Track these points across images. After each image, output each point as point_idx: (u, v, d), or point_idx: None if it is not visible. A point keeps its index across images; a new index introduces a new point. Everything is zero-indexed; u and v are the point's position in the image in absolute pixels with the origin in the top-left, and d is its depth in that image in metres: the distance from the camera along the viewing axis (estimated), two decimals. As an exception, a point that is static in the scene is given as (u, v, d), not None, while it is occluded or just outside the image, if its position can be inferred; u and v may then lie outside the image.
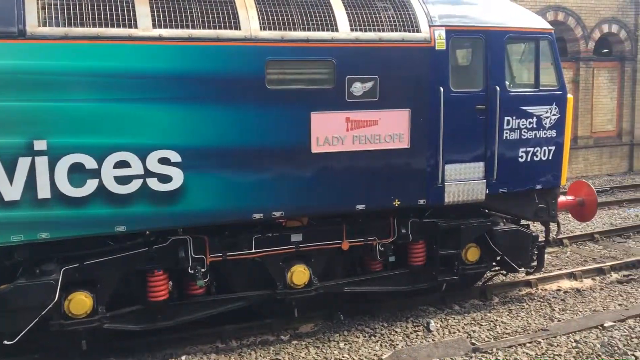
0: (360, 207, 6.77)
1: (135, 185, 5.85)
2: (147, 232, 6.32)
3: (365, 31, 6.56)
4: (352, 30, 6.50)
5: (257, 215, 6.37)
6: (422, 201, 7.03)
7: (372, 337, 7.08)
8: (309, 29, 6.35)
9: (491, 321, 7.51)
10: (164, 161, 5.92)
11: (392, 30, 6.68)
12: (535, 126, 7.49)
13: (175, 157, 5.95)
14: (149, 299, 6.41)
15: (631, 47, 19.55)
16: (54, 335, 6.09)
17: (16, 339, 5.73)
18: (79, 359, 6.42)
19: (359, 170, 6.70)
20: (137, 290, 6.53)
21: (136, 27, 5.72)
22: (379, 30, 6.62)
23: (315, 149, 6.49)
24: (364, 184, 6.75)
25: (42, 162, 5.51)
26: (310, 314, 7.53)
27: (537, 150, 7.57)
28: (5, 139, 5.36)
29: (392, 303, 7.91)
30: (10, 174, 5.42)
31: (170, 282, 6.68)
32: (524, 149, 7.47)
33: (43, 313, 5.76)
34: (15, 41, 5.32)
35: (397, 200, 6.90)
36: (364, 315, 7.69)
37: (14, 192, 5.45)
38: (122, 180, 5.79)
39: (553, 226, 8.47)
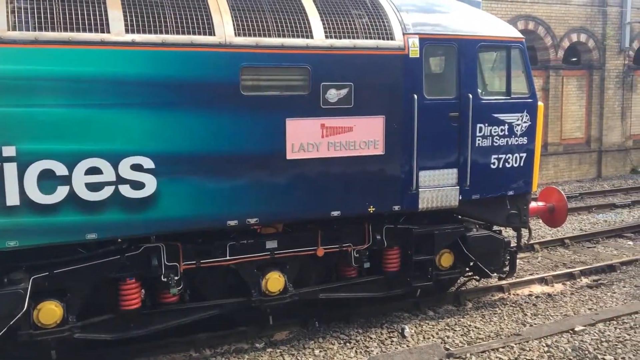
0: (336, 213, 6.77)
1: (107, 192, 5.76)
2: (119, 240, 6.22)
3: (340, 38, 6.58)
4: (327, 37, 6.52)
5: (232, 222, 6.32)
6: (396, 207, 7.06)
7: (347, 344, 7.08)
8: (284, 36, 6.35)
9: (465, 326, 7.58)
10: (136, 167, 5.85)
11: (366, 38, 6.72)
12: (507, 133, 7.61)
13: (148, 163, 5.88)
14: (121, 307, 6.31)
15: (599, 56, 20.02)
16: (23, 345, 5.95)
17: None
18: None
19: (334, 177, 6.71)
20: (109, 299, 6.42)
21: (109, 31, 5.64)
22: (353, 38, 6.65)
23: (290, 155, 6.48)
24: (339, 190, 6.76)
25: (10, 169, 5.38)
26: (285, 321, 7.50)
27: (509, 157, 7.68)
28: (-28, 144, 5.24)
29: (367, 309, 7.93)
30: (-22, 180, 5.30)
31: (142, 290, 6.58)
32: (496, 156, 7.57)
33: (11, 323, 5.61)
34: (-16, 45, 5.21)
35: (372, 206, 6.93)
36: (339, 321, 7.69)
37: (-19, 199, 5.33)
38: (93, 187, 5.69)
39: (524, 232, 8.59)
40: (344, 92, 6.62)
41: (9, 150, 5.36)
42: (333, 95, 6.58)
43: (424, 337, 7.26)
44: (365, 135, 6.78)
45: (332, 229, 7.17)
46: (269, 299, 6.87)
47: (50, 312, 5.88)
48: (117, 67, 5.65)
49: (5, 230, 5.43)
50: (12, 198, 5.43)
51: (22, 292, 5.66)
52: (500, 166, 7.61)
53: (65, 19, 5.53)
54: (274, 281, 6.85)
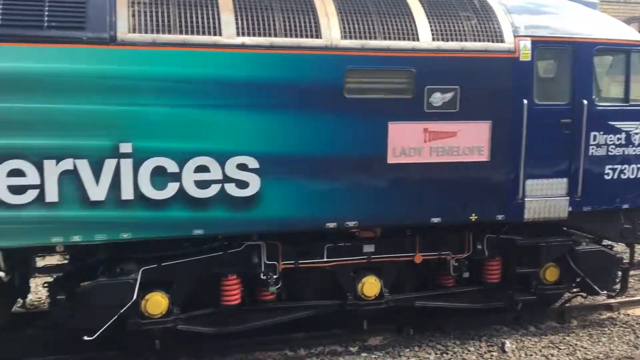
0: (436, 220, 6.61)
1: (213, 189, 5.94)
2: (222, 237, 6.37)
3: (447, 41, 6.42)
4: (433, 39, 6.38)
5: (331, 224, 6.33)
6: (500, 217, 6.79)
7: (444, 355, 6.88)
8: (389, 38, 6.28)
9: (570, 345, 7.16)
10: (242, 167, 5.99)
11: (475, 40, 6.51)
12: (623, 142, 7.11)
13: (253, 163, 6.01)
14: (221, 302, 6.48)
15: None
16: (130, 333, 6.23)
17: (95, 335, 5.90)
18: (153, 358, 6.54)
19: (435, 183, 6.55)
20: (210, 294, 6.60)
21: (221, 34, 5.82)
22: (461, 40, 6.46)
23: (391, 159, 6.40)
24: (440, 196, 6.59)
25: (126, 165, 5.67)
26: (379, 326, 7.41)
27: (625, 168, 7.18)
28: (93, 140, 5.56)
29: (464, 320, 7.67)
30: (97, 175, 5.61)
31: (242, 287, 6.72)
32: (610, 166, 7.10)
33: (122, 311, 5.92)
34: (107, 47, 5.52)
35: (474, 214, 6.70)
36: (434, 331, 7.50)
37: (99, 192, 5.64)
38: (201, 185, 5.89)
39: (638, 248, 8.00)
40: (449, 95, 6.45)
41: (126, 147, 5.65)
42: (437, 99, 6.43)
43: (525, 354, 6.92)
44: (469, 141, 6.58)
45: (431, 235, 7.01)
46: (364, 304, 6.82)
47: (157, 302, 6.13)
48: (228, 69, 5.82)
49: (120, 222, 5.72)
50: (127, 192, 5.71)
51: (132, 282, 5.95)
52: (615, 177, 7.13)
53: (181, 22, 5.76)
54: (370, 286, 6.79)
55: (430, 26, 6.43)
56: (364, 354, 6.88)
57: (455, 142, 6.55)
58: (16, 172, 5.41)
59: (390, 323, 7.49)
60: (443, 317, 7.65)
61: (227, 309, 6.49)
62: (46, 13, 5.42)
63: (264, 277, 6.47)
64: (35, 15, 5.40)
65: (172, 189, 5.82)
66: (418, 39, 6.36)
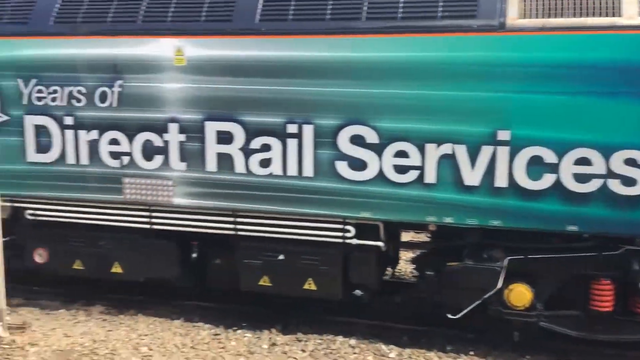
0: None
1: (594, 185, 5.50)
2: (588, 236, 5.83)
3: None
4: None
5: None
6: None
7: None
8: None
9: None
10: (630, 162, 5.39)
11: None
12: None
13: (646, 158, 5.34)
14: (590, 307, 5.99)
15: None
16: (490, 320, 6.25)
17: (459, 315, 6.11)
18: (509, 349, 6.46)
19: None
20: (577, 295, 6.16)
21: (620, 15, 5.28)
22: None
23: None
24: None
25: (503, 152, 5.64)
26: None
27: None
28: (473, 127, 5.68)
29: None
30: (473, 160, 5.73)
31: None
32: None
33: (485, 296, 5.98)
34: (495, 34, 5.54)
35: None
36: None
37: (473, 178, 5.75)
38: (580, 179, 5.51)
39: None
40: None
41: (504, 135, 5.62)
42: None
43: None
44: None
45: None
46: None
47: (521, 294, 5.99)
48: (626, 53, 5.25)
49: (491, 209, 5.76)
50: (501, 180, 5.70)
51: (498, 270, 5.96)
52: None
53: (574, 4, 5.43)
54: None
55: None
56: None
57: None
58: (401, 154, 5.90)
59: None
60: None
61: (597, 315, 5.97)
62: (440, 3, 5.71)
63: (645, 287, 5.74)
64: (430, 6, 5.74)
65: (547, 180, 5.58)
66: None
